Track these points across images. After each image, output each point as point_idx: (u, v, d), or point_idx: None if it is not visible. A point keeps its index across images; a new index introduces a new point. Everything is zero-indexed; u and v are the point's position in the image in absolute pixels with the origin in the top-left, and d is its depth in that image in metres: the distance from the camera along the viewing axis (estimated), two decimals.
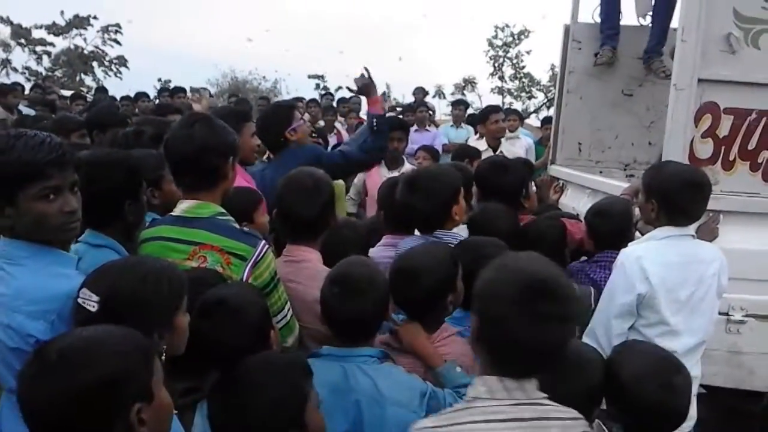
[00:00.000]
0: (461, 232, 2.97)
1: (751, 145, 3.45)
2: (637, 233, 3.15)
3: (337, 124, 9.05)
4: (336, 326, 2.09)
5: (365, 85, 3.74)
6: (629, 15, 5.33)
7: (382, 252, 2.92)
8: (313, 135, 5.52)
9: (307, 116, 8.61)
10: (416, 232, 3.00)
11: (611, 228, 3.08)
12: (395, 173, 4.70)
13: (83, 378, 1.27)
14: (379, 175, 5.00)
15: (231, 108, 4.28)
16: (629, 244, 2.86)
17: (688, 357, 2.73)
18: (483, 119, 6.48)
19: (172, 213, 2.29)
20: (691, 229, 2.78)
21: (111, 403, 1.30)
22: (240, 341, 1.81)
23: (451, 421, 1.52)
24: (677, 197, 2.67)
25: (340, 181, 4.09)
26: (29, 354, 1.38)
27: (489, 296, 1.52)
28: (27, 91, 9.96)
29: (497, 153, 5.80)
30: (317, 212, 2.50)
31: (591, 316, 2.78)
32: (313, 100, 10.76)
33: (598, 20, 5.37)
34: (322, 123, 8.79)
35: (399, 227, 3.02)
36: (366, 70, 3.75)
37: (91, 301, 1.59)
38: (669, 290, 2.65)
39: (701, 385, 2.91)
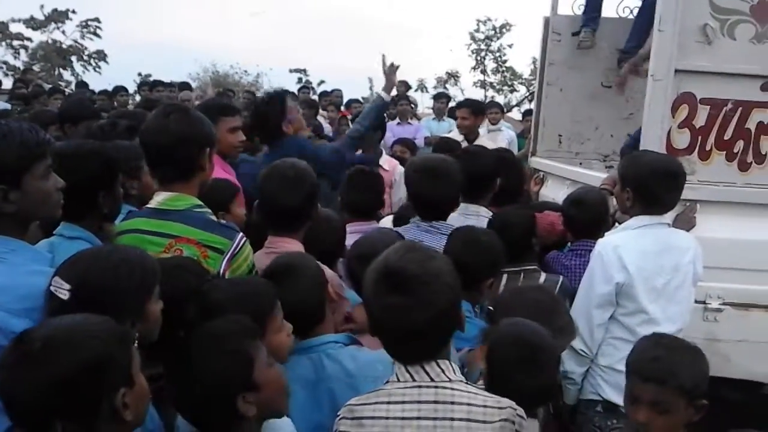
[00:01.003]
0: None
1: (728, 135, 3.47)
2: (616, 223, 3.18)
3: (320, 118, 9.02)
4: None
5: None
6: (609, 8, 5.37)
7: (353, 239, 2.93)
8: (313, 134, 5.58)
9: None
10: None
11: (587, 217, 3.11)
12: None
13: (71, 364, 1.29)
14: None
15: (213, 101, 4.25)
16: (605, 234, 2.88)
17: None
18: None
19: (148, 205, 2.27)
20: (667, 217, 2.80)
21: (98, 388, 1.32)
22: None
23: (365, 401, 1.63)
24: (651, 186, 2.69)
25: None
26: (8, 344, 1.38)
27: (363, 287, 1.63)
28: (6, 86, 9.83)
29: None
30: (299, 202, 2.48)
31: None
32: (291, 94, 10.65)
33: (578, 12, 5.39)
34: None
35: (361, 214, 3.05)
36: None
37: (62, 289, 1.59)
38: (646, 278, 2.68)
39: None
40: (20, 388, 1.29)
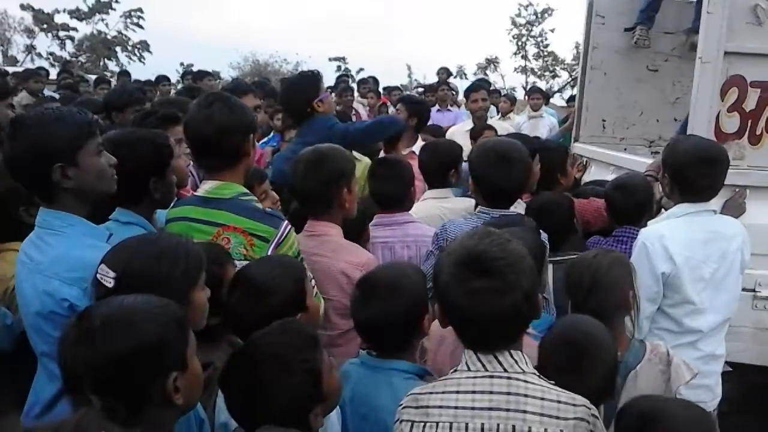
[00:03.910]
0: None
1: None
2: (663, 209, 3.12)
3: (358, 105, 9.05)
4: (362, 332, 2.04)
5: None
6: None
7: (381, 231, 2.89)
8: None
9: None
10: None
11: (630, 202, 3.05)
12: (404, 152, 4.64)
13: (125, 345, 1.31)
14: None
15: (237, 81, 4.29)
16: (648, 222, 2.83)
17: (713, 335, 2.70)
18: (465, 98, 6.43)
19: (196, 193, 2.32)
20: (712, 204, 2.73)
21: (150, 371, 1.34)
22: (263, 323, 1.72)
23: (431, 390, 1.59)
24: (687, 172, 2.63)
25: (367, 160, 4.03)
26: (70, 319, 1.43)
27: (438, 274, 1.59)
28: (53, 76, 10.05)
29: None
30: (318, 186, 2.47)
31: None
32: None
33: None
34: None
35: (387, 205, 2.97)
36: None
37: (108, 277, 1.62)
38: (693, 268, 2.62)
39: (727, 362, 2.87)
40: (77, 364, 1.32)
